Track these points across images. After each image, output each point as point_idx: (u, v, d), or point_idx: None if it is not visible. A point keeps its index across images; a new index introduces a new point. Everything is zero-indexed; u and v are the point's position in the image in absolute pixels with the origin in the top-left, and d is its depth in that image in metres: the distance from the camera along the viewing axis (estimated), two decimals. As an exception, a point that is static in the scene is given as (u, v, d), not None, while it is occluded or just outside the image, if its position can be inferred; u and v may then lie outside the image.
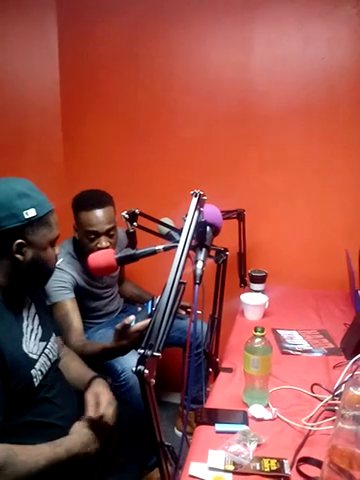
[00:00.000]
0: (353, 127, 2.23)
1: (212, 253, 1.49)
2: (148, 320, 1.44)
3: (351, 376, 1.28)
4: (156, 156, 2.48)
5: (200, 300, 1.28)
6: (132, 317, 1.45)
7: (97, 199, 1.91)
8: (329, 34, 2.19)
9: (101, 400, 1.29)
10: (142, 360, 0.73)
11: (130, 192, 2.20)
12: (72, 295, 1.89)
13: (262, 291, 2.11)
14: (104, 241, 1.88)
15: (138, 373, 0.71)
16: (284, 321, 1.91)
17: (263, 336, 1.28)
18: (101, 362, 1.73)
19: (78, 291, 1.95)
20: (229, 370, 1.50)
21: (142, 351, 0.73)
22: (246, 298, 1.92)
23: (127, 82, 2.45)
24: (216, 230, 1.12)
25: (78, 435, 1.19)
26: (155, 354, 0.72)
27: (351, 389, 0.87)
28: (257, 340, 1.28)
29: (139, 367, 0.71)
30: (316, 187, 2.32)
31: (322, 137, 2.28)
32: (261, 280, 2.11)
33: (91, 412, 1.25)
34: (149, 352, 0.73)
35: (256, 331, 1.28)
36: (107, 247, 1.87)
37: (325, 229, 2.33)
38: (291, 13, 2.20)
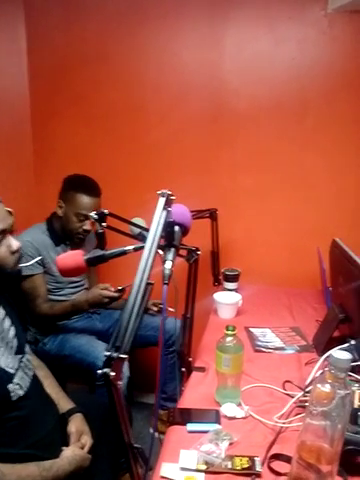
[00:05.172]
0: (324, 127, 2.26)
1: (184, 253, 1.49)
2: (117, 294, 1.76)
3: (322, 373, 1.30)
4: (128, 155, 2.47)
5: (173, 299, 1.28)
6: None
7: (95, 188, 2.09)
8: (299, 35, 2.21)
9: (86, 442, 1.34)
10: (108, 362, 0.72)
11: (102, 192, 2.18)
12: (42, 269, 2.04)
13: (235, 290, 2.12)
14: (89, 225, 2.07)
15: (104, 376, 0.70)
16: (257, 319, 1.92)
17: (234, 335, 1.28)
18: (69, 317, 2.07)
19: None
20: (202, 369, 1.50)
21: (108, 353, 0.72)
22: (219, 297, 1.93)
23: (98, 81, 2.43)
24: (185, 230, 1.12)
25: (68, 462, 1.21)
26: (121, 356, 0.72)
27: (318, 385, 0.88)
28: (228, 339, 1.28)
29: (105, 370, 0.70)
30: (288, 186, 2.35)
31: (294, 136, 2.30)
32: (234, 279, 2.12)
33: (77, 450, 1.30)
34: (115, 354, 0.73)
35: (227, 330, 1.28)
36: (89, 231, 2.08)
37: (297, 228, 2.36)
38: (262, 14, 2.22)
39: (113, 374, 0.71)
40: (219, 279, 2.27)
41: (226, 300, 1.92)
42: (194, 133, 2.38)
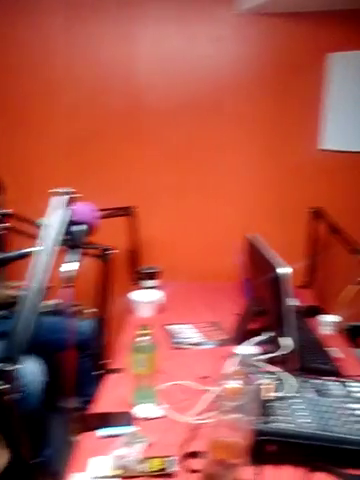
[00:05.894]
0: (239, 124, 2.31)
1: (98, 252, 1.45)
2: None
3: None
4: (38, 152, 2.36)
5: (88, 299, 1.23)
6: None
7: None
8: (213, 34, 2.24)
9: None
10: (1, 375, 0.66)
11: (9, 191, 2.05)
12: None
13: (156, 287, 2.10)
14: None
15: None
16: (177, 316, 1.91)
17: (148, 334, 1.26)
18: None
19: None
20: (118, 371, 1.47)
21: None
22: (137, 295, 1.90)
23: (5, 73, 2.30)
24: (90, 228, 1.08)
25: None
26: (11, 368, 0.66)
27: (227, 382, 0.88)
28: (142, 338, 1.25)
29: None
30: (206, 182, 2.37)
31: (211, 134, 2.33)
32: (153, 276, 2.10)
33: None
34: (8, 367, 0.67)
35: (141, 330, 1.25)
36: None
37: (216, 223, 2.39)
38: (175, 12, 2.23)
39: (4, 387, 0.65)
40: (139, 277, 2.24)
41: (144, 298, 1.89)
42: (110, 129, 2.33)
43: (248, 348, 0.86)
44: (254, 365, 0.88)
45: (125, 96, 2.30)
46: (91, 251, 1.40)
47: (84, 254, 1.27)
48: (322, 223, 2.18)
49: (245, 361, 0.86)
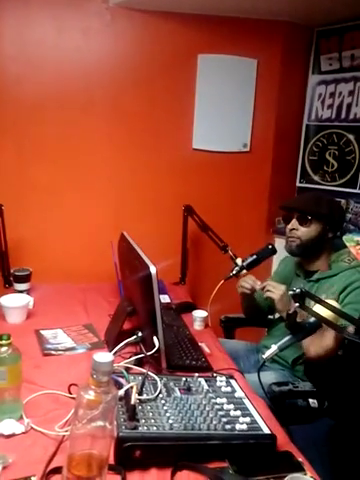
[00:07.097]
0: (115, 119, 2.28)
1: None
2: None
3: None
4: None
5: None
6: None
7: None
8: (83, 25, 2.18)
9: None
10: None
11: None
12: None
13: (27, 291, 1.99)
14: None
15: None
16: (49, 320, 1.81)
17: (10, 344, 1.17)
18: None
19: None
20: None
21: None
22: (5, 300, 1.77)
23: None
24: None
25: None
26: None
27: (82, 393, 0.84)
28: (3, 349, 1.16)
29: None
30: (80, 180, 2.30)
31: (84, 128, 2.26)
32: (25, 279, 1.98)
33: None
34: None
35: (1, 339, 1.16)
36: None
37: (91, 222, 2.34)
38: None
39: None
40: (10, 280, 2.10)
41: (13, 303, 1.77)
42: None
43: (103, 356, 0.83)
44: (115, 370, 0.85)
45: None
46: None
47: None
48: (194, 220, 2.23)
49: (100, 370, 0.82)
